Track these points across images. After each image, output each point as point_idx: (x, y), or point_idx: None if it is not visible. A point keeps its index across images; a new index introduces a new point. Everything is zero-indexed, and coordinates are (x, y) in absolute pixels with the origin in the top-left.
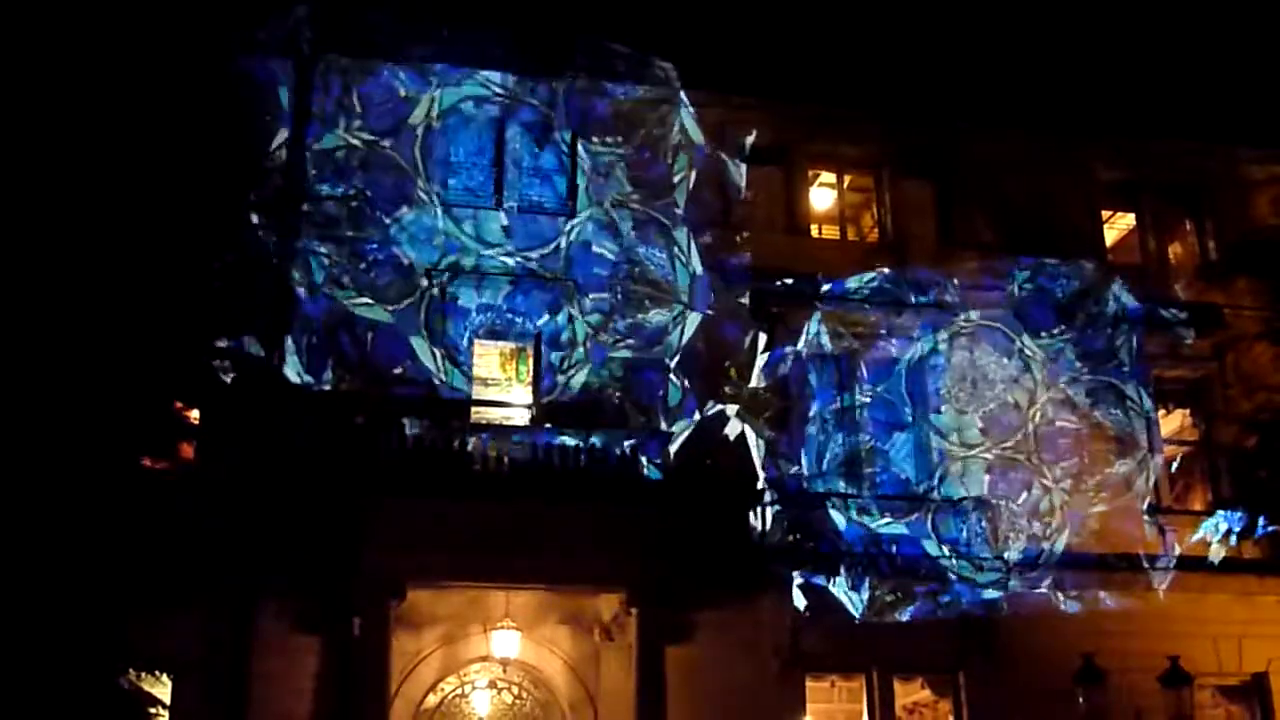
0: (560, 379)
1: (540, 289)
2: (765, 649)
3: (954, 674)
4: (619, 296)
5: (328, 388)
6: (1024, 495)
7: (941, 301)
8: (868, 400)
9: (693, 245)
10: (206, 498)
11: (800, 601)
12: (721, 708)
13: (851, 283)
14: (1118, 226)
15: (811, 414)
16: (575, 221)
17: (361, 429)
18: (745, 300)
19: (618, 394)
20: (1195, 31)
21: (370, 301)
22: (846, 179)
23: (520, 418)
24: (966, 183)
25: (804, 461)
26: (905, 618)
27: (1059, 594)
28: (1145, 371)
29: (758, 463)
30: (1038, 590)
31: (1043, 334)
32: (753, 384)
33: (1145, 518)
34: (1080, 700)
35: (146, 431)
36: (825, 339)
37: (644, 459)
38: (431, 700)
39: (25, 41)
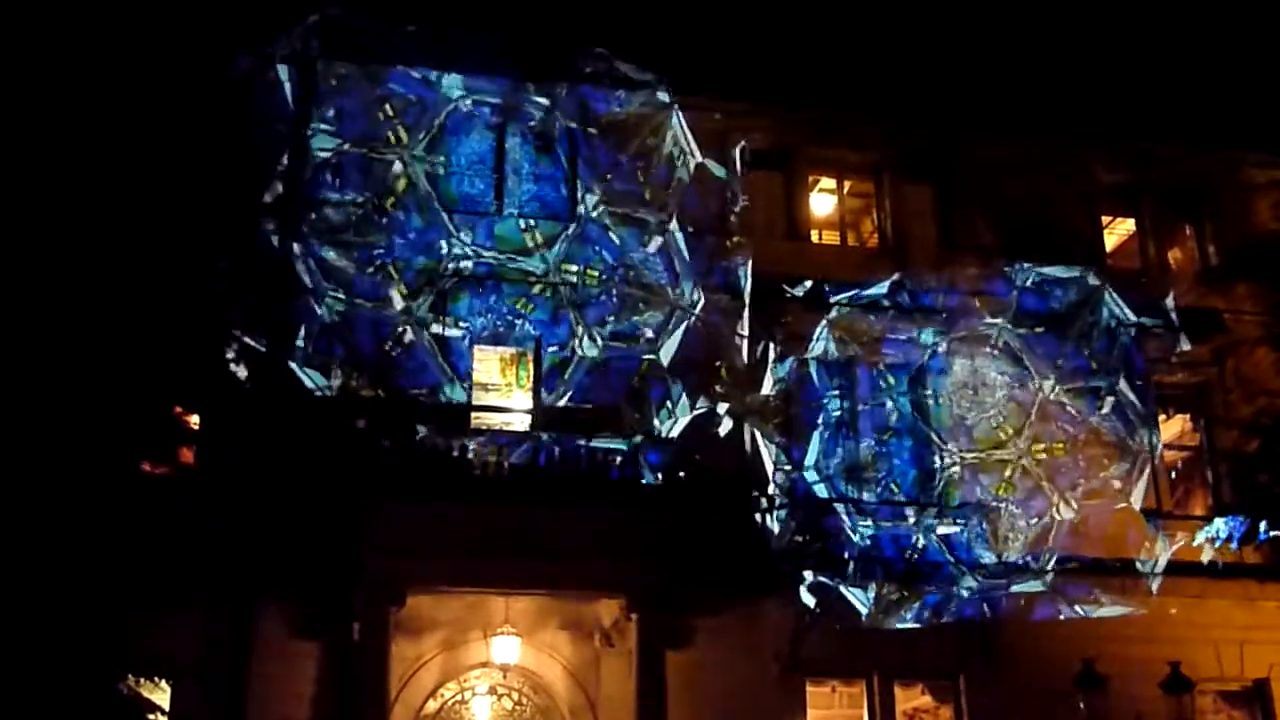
0: (560, 384)
1: (540, 295)
2: (766, 654)
3: (954, 679)
4: (618, 302)
5: (329, 392)
6: (1025, 500)
7: (944, 307)
8: (871, 406)
9: (692, 251)
10: (206, 500)
11: (809, 600)
12: (722, 712)
13: (857, 290)
14: (1118, 231)
15: (818, 420)
16: (575, 227)
17: (362, 433)
18: (746, 306)
19: (618, 399)
20: (1196, 35)
21: (371, 306)
22: (847, 184)
23: (521, 422)
24: (967, 187)
25: (810, 466)
26: (908, 621)
27: (1060, 599)
28: (1145, 376)
29: (769, 468)
30: (1038, 595)
31: (1043, 338)
32: (764, 391)
33: (1146, 523)
34: (1081, 706)
35: (146, 436)
36: (832, 346)
37: (644, 464)
38: (431, 706)
39: (33, 46)
